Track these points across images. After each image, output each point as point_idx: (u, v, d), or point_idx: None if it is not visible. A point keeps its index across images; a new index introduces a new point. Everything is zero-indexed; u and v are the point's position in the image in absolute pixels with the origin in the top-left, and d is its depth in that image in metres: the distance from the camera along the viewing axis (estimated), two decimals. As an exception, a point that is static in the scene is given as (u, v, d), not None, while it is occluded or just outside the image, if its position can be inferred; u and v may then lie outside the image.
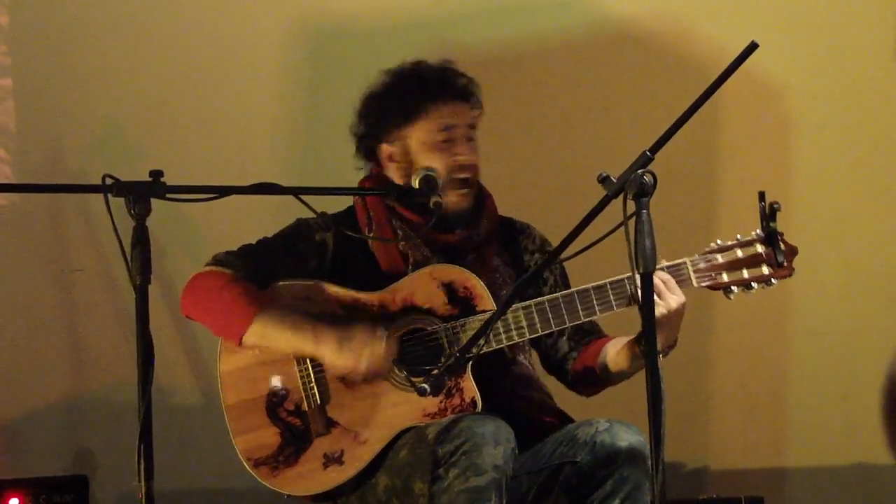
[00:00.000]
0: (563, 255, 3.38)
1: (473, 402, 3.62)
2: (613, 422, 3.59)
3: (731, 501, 4.81)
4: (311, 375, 3.67)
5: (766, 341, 5.29)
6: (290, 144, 5.15)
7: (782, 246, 3.65)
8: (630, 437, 3.54)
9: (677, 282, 3.62)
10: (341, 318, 3.67)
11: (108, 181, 3.19)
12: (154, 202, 3.18)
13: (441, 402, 3.62)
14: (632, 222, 3.08)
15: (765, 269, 3.67)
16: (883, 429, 5.26)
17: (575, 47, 5.25)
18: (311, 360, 3.68)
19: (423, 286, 3.70)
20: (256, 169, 4.76)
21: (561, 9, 5.27)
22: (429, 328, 3.68)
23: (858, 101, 5.27)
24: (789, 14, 5.25)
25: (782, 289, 3.77)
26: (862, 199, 5.27)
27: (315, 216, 3.74)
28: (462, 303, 3.69)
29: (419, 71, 3.86)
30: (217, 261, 3.76)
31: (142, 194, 3.17)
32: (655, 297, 3.51)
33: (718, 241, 3.69)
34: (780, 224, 3.63)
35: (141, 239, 3.15)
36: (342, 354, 3.62)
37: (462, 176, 3.79)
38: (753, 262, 3.67)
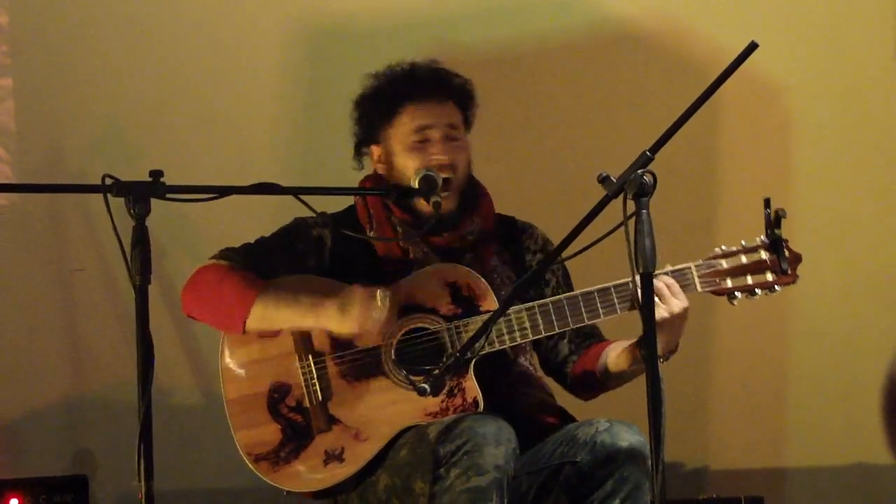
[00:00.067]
0: (563, 255, 3.38)
1: (475, 401, 3.62)
2: (614, 422, 3.59)
3: (731, 501, 4.81)
4: (314, 372, 3.67)
5: (766, 341, 5.29)
6: (290, 144, 5.15)
7: (787, 253, 3.65)
8: (630, 436, 3.54)
9: (681, 287, 3.62)
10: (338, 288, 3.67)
11: (108, 181, 3.19)
12: (154, 202, 3.18)
13: (443, 401, 3.62)
14: (632, 222, 3.08)
15: (769, 276, 3.67)
16: (883, 429, 5.25)
17: (575, 47, 5.25)
18: (313, 356, 3.68)
19: (426, 285, 3.70)
20: (256, 169, 4.76)
21: (561, 9, 5.27)
22: (431, 327, 3.68)
23: (858, 101, 5.27)
24: (789, 14, 5.25)
25: (783, 289, 3.76)
26: (862, 199, 5.27)
27: (314, 215, 3.74)
28: (465, 302, 3.69)
29: (396, 72, 3.87)
30: (216, 255, 3.77)
31: (142, 194, 3.17)
32: (658, 300, 3.53)
33: (723, 247, 3.69)
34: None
35: (141, 239, 3.15)
36: (345, 319, 3.61)
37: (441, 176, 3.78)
38: (757, 268, 3.68)
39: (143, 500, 3.10)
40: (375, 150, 3.88)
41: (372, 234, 3.83)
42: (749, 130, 5.30)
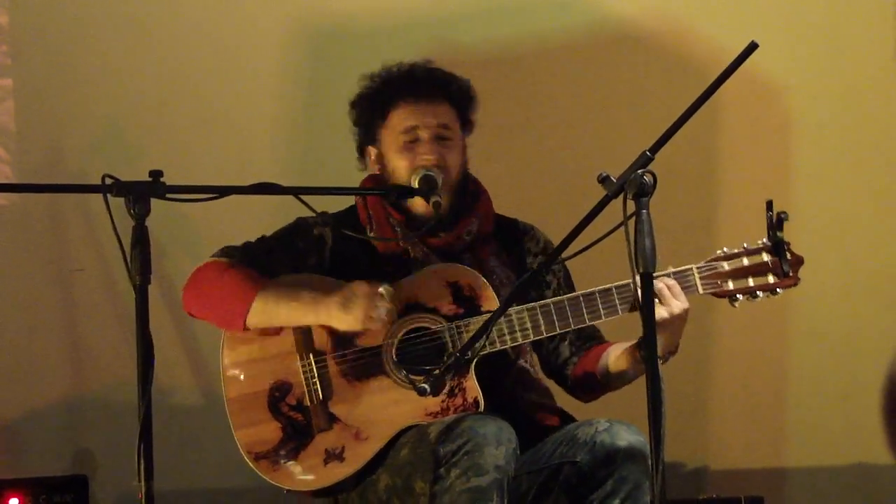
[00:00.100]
0: (563, 255, 3.38)
1: (476, 401, 3.62)
2: (613, 422, 3.59)
3: (731, 501, 4.81)
4: (314, 370, 3.67)
5: (767, 341, 5.29)
6: (290, 144, 5.15)
7: (788, 256, 3.66)
8: (630, 436, 3.54)
9: (683, 288, 3.62)
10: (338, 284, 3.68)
11: (108, 181, 3.19)
12: (154, 202, 3.18)
13: (443, 401, 3.62)
14: (632, 222, 3.08)
15: (770, 278, 3.68)
16: (883, 429, 5.25)
17: (575, 47, 5.25)
18: (314, 355, 3.68)
19: (428, 285, 3.70)
20: (256, 169, 4.76)
21: (561, 9, 5.27)
22: (432, 327, 3.68)
23: (858, 101, 5.27)
24: (789, 14, 5.25)
25: (784, 291, 3.76)
26: (862, 199, 5.27)
27: (314, 215, 3.74)
28: (467, 302, 3.69)
29: (390, 73, 3.87)
30: (216, 253, 3.77)
31: (142, 194, 3.17)
32: (658, 300, 3.53)
33: (725, 249, 3.69)
34: (781, 225, 3.64)
35: (141, 239, 3.15)
36: (347, 315, 3.61)
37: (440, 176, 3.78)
38: (759, 270, 3.68)
39: (143, 500, 3.09)
40: (372, 151, 3.89)
41: (372, 234, 3.83)
42: (749, 130, 5.30)
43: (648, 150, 3.11)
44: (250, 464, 3.67)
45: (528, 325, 3.64)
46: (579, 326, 3.68)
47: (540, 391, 3.82)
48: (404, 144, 3.80)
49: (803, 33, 5.27)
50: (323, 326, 3.67)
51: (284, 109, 5.16)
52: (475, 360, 3.60)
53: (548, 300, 3.66)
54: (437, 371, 3.38)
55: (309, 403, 3.67)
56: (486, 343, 3.57)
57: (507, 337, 3.64)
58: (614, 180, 3.13)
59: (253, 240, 3.83)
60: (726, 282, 3.68)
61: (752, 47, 3.08)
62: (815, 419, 5.26)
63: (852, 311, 5.26)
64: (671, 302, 3.59)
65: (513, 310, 3.62)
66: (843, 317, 5.26)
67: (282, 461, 3.66)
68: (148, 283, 3.15)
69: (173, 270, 4.61)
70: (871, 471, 5.25)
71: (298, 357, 3.68)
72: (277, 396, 3.68)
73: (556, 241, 3.34)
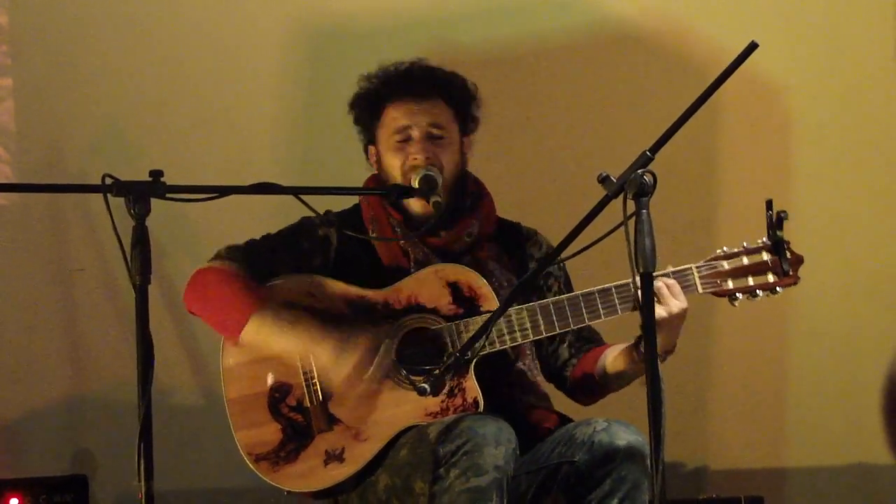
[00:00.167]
0: (563, 255, 3.38)
1: (475, 401, 3.62)
2: (612, 421, 3.59)
3: (731, 501, 4.81)
4: (315, 371, 3.67)
5: (767, 341, 5.28)
6: (290, 144, 5.15)
7: (788, 254, 3.66)
8: (628, 436, 3.54)
9: (682, 288, 3.63)
10: (345, 320, 3.67)
11: (108, 181, 3.19)
12: (154, 202, 3.18)
13: (443, 401, 3.62)
14: (632, 222, 3.08)
15: (770, 277, 3.68)
16: (883, 429, 5.25)
17: (575, 47, 5.24)
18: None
19: (428, 285, 3.71)
20: (256, 169, 4.76)
21: (561, 9, 5.26)
22: (433, 327, 3.68)
23: (858, 101, 5.27)
24: (789, 14, 5.25)
25: (783, 290, 3.76)
26: (862, 199, 5.27)
27: (318, 214, 3.75)
28: (467, 303, 3.69)
29: (387, 73, 3.88)
30: (221, 256, 3.77)
31: (141, 194, 3.17)
32: (657, 300, 3.53)
33: (725, 248, 3.69)
34: (780, 225, 3.64)
35: (141, 239, 3.15)
36: (338, 365, 3.62)
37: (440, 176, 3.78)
38: (759, 269, 3.68)
39: (143, 500, 3.09)
40: (372, 151, 3.90)
41: (374, 234, 3.83)
42: (749, 130, 5.30)
43: (648, 150, 3.11)
44: (251, 465, 3.67)
45: (528, 325, 3.65)
46: (579, 327, 3.67)
47: (538, 395, 3.81)
48: (397, 144, 3.81)
49: (803, 33, 5.27)
50: (322, 327, 3.67)
51: (284, 109, 5.16)
52: (474, 361, 3.60)
53: (547, 300, 3.66)
54: (437, 371, 3.38)
55: (309, 404, 3.67)
56: (486, 343, 3.57)
57: (507, 337, 3.64)
58: (614, 180, 3.13)
59: (257, 238, 3.83)
60: (726, 281, 3.68)
61: (752, 47, 3.08)
62: (815, 419, 5.26)
63: (852, 311, 5.26)
64: (669, 301, 3.59)
65: (512, 310, 3.62)
66: (843, 317, 5.26)
67: (282, 462, 3.66)
68: (148, 283, 3.15)
69: (173, 270, 4.61)
70: (871, 471, 5.25)
71: (298, 358, 3.68)
72: (277, 397, 3.68)
73: (556, 242, 3.33)
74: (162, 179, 3.20)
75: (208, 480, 4.97)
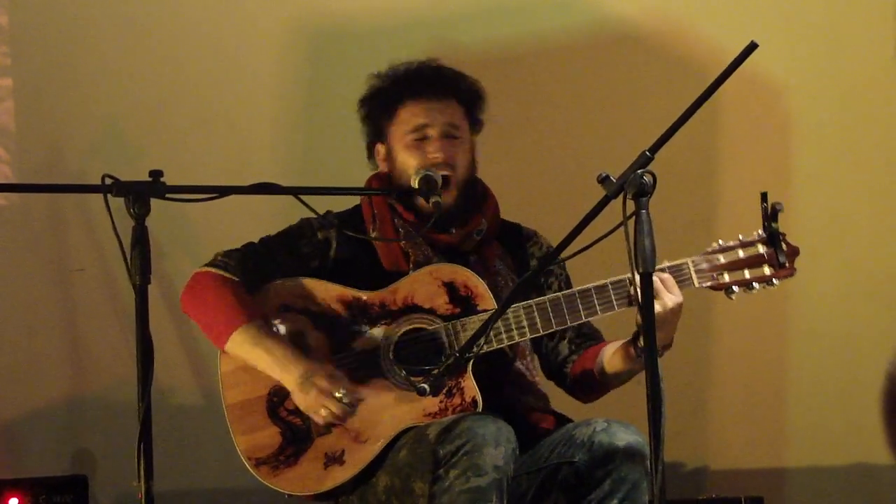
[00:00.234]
0: (563, 255, 3.38)
1: (474, 401, 3.62)
2: (611, 421, 3.59)
3: (731, 501, 4.81)
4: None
5: (766, 341, 5.28)
6: (290, 144, 5.15)
7: (784, 246, 3.66)
8: (628, 436, 3.54)
9: (679, 282, 3.62)
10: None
11: (108, 181, 3.19)
12: (154, 202, 3.18)
13: (442, 401, 3.62)
14: (631, 222, 3.08)
15: (766, 270, 3.67)
16: (883, 429, 5.25)
17: (575, 47, 5.25)
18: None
19: (424, 285, 3.70)
20: (256, 169, 4.76)
21: (561, 9, 5.27)
22: (430, 328, 3.68)
23: (858, 101, 5.27)
24: (789, 14, 5.25)
25: (782, 289, 3.77)
26: (862, 199, 5.27)
27: (318, 216, 3.75)
28: (463, 302, 3.69)
29: (398, 71, 3.88)
30: (218, 262, 3.76)
31: (141, 194, 3.17)
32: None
33: (720, 242, 3.69)
34: (780, 224, 3.64)
35: (140, 239, 3.15)
36: (300, 394, 3.62)
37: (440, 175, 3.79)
38: (755, 262, 3.67)
39: (143, 500, 3.09)
40: (381, 149, 3.90)
41: (374, 234, 3.82)
42: (749, 130, 5.30)
43: (648, 150, 3.11)
44: (251, 470, 3.66)
45: (525, 322, 3.64)
46: (576, 323, 3.67)
47: (536, 395, 3.81)
48: (412, 142, 3.81)
49: (803, 33, 5.27)
50: (320, 328, 3.67)
51: (284, 109, 5.16)
52: (472, 360, 3.60)
53: (544, 297, 3.66)
54: (436, 371, 3.38)
55: (307, 406, 3.67)
56: (484, 342, 3.56)
57: (504, 335, 3.64)
58: (614, 180, 3.13)
59: (255, 240, 3.83)
60: (722, 274, 3.67)
61: (752, 47, 3.08)
62: (815, 419, 5.25)
63: (852, 311, 5.26)
64: (664, 296, 3.59)
65: (510, 308, 3.62)
66: (842, 317, 5.26)
67: (282, 466, 3.65)
68: (148, 284, 3.15)
69: (173, 270, 4.61)
70: (871, 471, 5.25)
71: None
72: (276, 401, 3.68)
73: (556, 241, 3.33)
74: (162, 180, 3.20)
75: (208, 481, 4.97)
